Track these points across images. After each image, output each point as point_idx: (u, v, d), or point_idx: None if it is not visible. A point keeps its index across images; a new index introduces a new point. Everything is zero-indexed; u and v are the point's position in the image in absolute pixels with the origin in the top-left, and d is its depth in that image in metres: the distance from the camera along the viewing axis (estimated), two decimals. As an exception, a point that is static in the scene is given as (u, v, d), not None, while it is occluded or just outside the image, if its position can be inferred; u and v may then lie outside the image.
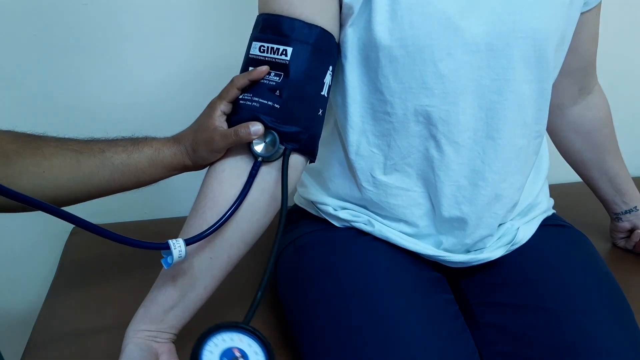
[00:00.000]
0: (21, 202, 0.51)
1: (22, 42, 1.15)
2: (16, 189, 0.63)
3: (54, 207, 0.53)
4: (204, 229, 0.68)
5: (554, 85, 0.82)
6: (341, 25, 0.76)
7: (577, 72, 0.94)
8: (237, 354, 0.55)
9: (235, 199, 0.69)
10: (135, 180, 0.73)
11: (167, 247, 0.64)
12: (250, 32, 0.75)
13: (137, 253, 1.03)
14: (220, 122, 0.71)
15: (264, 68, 0.71)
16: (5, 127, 0.70)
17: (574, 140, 1.02)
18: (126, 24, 1.18)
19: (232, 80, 0.72)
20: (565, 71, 0.86)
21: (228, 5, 1.21)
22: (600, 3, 0.86)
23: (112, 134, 0.75)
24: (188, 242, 0.66)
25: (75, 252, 1.12)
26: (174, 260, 0.65)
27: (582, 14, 0.83)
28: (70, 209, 0.59)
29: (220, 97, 0.72)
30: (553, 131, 1.03)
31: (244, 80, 0.71)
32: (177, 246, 0.64)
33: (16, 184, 0.64)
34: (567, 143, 1.03)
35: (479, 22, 0.72)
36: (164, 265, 0.66)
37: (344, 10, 0.74)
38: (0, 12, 1.12)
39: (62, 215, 0.54)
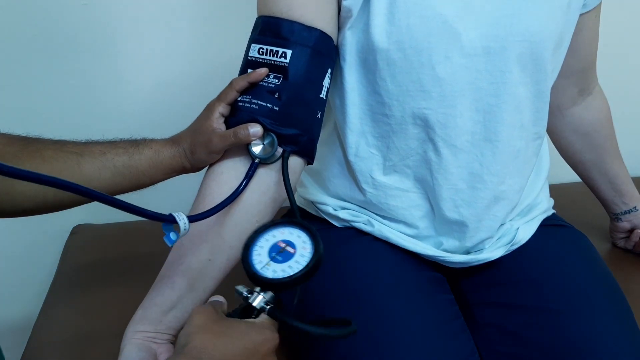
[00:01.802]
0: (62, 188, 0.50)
1: (22, 42, 1.15)
2: (16, 193, 0.63)
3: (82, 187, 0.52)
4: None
5: (554, 87, 0.82)
6: (339, 28, 0.76)
7: (576, 73, 0.94)
8: (282, 245, 0.59)
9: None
10: (135, 182, 0.73)
11: (172, 220, 0.62)
12: (250, 33, 0.75)
13: (137, 254, 1.04)
14: (218, 124, 0.71)
15: (263, 70, 0.70)
16: (3, 128, 0.69)
17: (574, 141, 1.02)
18: (126, 24, 1.18)
19: (230, 83, 0.72)
20: (565, 72, 0.86)
21: (228, 7, 1.21)
22: (599, 4, 0.86)
23: (111, 134, 0.75)
24: (191, 220, 0.65)
25: (75, 252, 1.12)
26: (180, 234, 0.63)
27: (581, 15, 0.83)
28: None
29: (218, 99, 0.72)
30: (553, 132, 1.03)
31: (243, 83, 0.71)
32: (182, 219, 0.63)
33: (16, 189, 0.63)
34: (567, 144, 1.03)
35: (476, 26, 0.72)
36: (167, 242, 0.64)
37: (343, 13, 0.74)
38: (0, 12, 1.12)
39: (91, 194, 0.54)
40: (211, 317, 0.55)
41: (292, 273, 0.56)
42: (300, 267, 0.56)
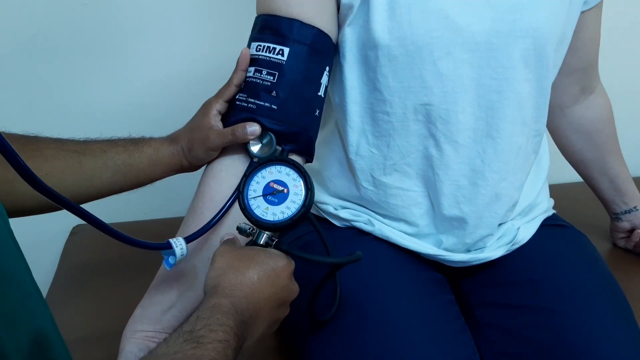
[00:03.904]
0: (53, 200, 0.52)
1: (22, 42, 1.15)
2: (18, 194, 0.63)
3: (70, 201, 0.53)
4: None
5: (556, 85, 0.82)
6: (339, 25, 0.76)
7: (578, 72, 0.94)
8: (274, 186, 0.62)
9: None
10: (135, 180, 0.73)
11: (169, 247, 0.64)
12: (249, 33, 0.75)
13: (137, 253, 1.03)
14: (215, 121, 0.71)
15: (245, 50, 0.72)
16: (1, 127, 0.69)
17: (575, 140, 1.02)
18: (126, 24, 1.18)
19: (229, 80, 0.72)
20: (567, 71, 0.86)
21: (228, 6, 1.21)
22: (601, 2, 0.86)
23: (109, 133, 0.75)
24: (188, 240, 0.66)
25: (75, 252, 1.12)
26: (177, 259, 0.65)
27: (582, 12, 0.83)
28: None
29: (216, 96, 0.73)
30: (554, 131, 1.02)
31: (238, 75, 0.71)
32: (179, 244, 0.65)
33: (17, 188, 0.63)
34: (568, 143, 1.03)
35: (479, 21, 0.72)
36: (165, 266, 0.66)
37: (343, 9, 0.74)
38: (0, 12, 1.12)
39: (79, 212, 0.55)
40: (232, 254, 0.59)
41: (291, 214, 0.61)
42: (298, 207, 0.61)
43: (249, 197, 0.62)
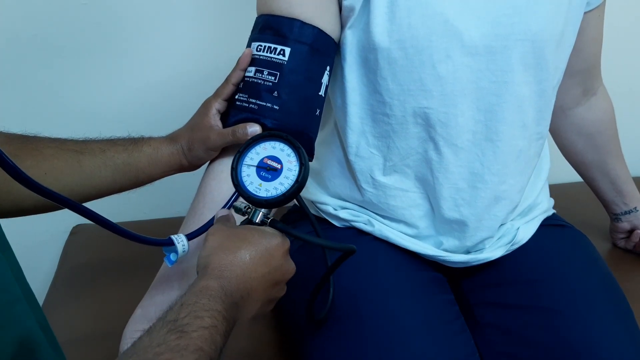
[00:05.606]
0: (50, 199, 0.51)
1: (22, 41, 1.15)
2: (17, 193, 0.63)
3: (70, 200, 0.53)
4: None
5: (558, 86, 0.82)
6: (341, 27, 0.76)
7: (580, 74, 0.93)
8: (268, 162, 0.62)
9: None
10: (134, 180, 0.73)
11: (171, 243, 0.64)
12: (250, 33, 0.75)
13: (137, 254, 1.04)
14: (215, 120, 0.71)
15: (247, 51, 0.71)
16: (1, 126, 0.69)
17: (576, 142, 1.02)
18: (126, 24, 1.18)
19: (227, 78, 0.72)
20: (569, 72, 0.85)
21: (229, 6, 1.21)
22: (603, 3, 0.86)
23: (110, 133, 0.75)
24: (189, 237, 0.66)
25: (75, 252, 1.12)
26: (179, 256, 0.65)
27: (585, 13, 0.82)
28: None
29: (215, 95, 0.73)
30: (555, 132, 1.02)
31: (236, 74, 0.72)
32: (180, 240, 0.65)
33: (16, 187, 0.64)
34: (569, 144, 1.03)
35: (478, 24, 0.72)
36: (167, 263, 0.66)
37: (344, 12, 0.74)
38: (0, 12, 1.12)
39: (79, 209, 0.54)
40: (224, 234, 0.58)
41: (284, 190, 0.60)
42: (291, 183, 0.60)
43: (242, 173, 0.61)
